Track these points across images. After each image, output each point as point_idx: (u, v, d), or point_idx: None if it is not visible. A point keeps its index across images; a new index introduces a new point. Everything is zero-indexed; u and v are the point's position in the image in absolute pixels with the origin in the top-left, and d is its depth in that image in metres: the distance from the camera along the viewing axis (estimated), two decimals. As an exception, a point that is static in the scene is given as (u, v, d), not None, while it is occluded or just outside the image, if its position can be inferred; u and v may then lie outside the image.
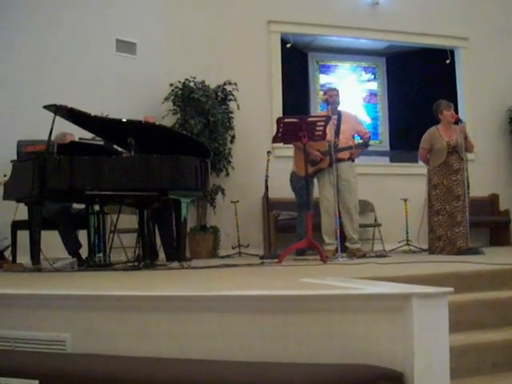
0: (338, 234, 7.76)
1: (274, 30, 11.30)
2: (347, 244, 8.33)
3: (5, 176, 6.85)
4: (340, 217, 8.15)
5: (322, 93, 10.91)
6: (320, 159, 8.21)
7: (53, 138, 6.88)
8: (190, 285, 4.69)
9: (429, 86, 12.57)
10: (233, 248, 10.30)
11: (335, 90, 8.77)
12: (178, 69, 10.18)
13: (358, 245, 8.42)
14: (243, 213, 10.51)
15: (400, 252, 10.01)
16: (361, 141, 8.57)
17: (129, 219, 8.52)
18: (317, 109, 12.54)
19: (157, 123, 8.00)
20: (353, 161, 8.49)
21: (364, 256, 8.08)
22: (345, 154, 8.35)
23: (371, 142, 9.19)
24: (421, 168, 9.35)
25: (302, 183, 8.18)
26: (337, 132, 8.31)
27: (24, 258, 6.71)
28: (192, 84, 10.04)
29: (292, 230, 9.36)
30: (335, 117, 8.37)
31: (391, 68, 13.52)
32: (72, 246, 7.24)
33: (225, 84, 10.32)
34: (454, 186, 8.02)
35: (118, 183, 6.34)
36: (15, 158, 7.61)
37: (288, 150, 9.74)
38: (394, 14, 11.83)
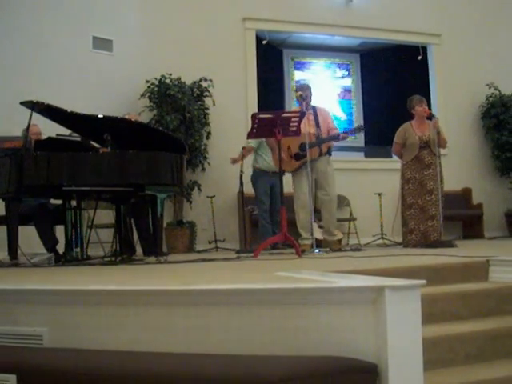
0: (312, 228, 7.81)
1: (249, 27, 11.34)
2: (325, 236, 8.37)
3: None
4: (317, 211, 8.22)
5: (295, 90, 10.98)
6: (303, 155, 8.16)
7: (20, 133, 6.91)
8: (166, 279, 4.70)
9: (402, 81, 12.69)
10: (209, 242, 10.36)
11: (305, 85, 8.85)
12: (154, 65, 10.22)
13: (335, 237, 8.48)
14: (219, 208, 10.57)
15: (375, 246, 10.11)
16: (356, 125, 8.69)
17: (106, 214, 8.53)
18: (292, 105, 12.61)
19: (138, 121, 8.09)
20: (330, 155, 8.53)
21: (339, 250, 8.15)
22: (323, 148, 8.39)
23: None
24: (395, 163, 9.42)
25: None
26: (317, 125, 8.38)
27: (1, 254, 6.71)
28: (168, 80, 10.08)
29: (267, 224, 9.46)
30: (310, 111, 8.44)
31: (365, 64, 13.64)
32: (49, 242, 7.23)
33: (200, 80, 10.37)
34: (426, 181, 8.10)
35: (94, 179, 6.35)
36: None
37: (263, 145, 9.79)
38: (367, 11, 11.93)
